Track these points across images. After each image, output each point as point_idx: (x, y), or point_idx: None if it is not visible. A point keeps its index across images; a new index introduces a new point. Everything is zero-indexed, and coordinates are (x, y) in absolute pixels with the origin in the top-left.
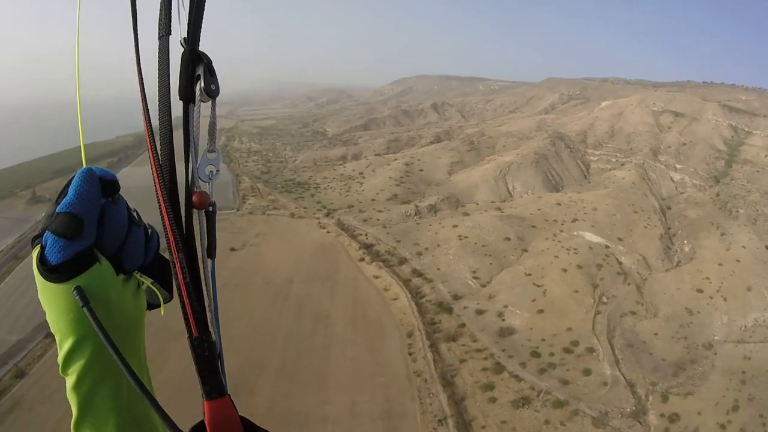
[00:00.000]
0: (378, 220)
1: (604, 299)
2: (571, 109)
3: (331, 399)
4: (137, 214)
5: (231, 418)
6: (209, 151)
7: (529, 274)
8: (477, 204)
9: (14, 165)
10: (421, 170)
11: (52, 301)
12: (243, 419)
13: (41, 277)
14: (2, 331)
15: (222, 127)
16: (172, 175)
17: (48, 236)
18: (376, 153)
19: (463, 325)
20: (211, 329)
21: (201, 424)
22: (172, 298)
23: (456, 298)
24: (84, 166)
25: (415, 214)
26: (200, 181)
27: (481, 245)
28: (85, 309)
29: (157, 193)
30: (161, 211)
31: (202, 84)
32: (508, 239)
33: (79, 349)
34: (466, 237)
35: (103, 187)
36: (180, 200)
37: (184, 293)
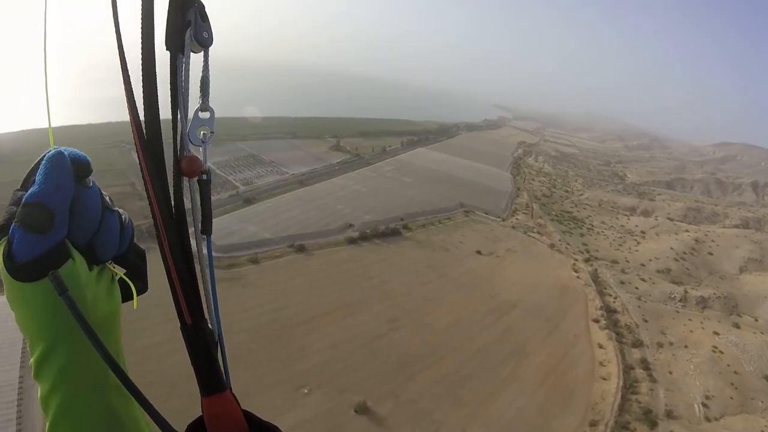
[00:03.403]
0: (637, 288)
1: None
2: None
3: (470, 430)
4: (110, 199)
5: (232, 414)
6: (201, 110)
7: None
8: (756, 320)
9: (322, 116)
10: (710, 254)
11: (21, 302)
12: (247, 414)
13: (8, 275)
14: (261, 228)
15: (524, 141)
16: (157, 137)
17: (15, 230)
18: (669, 217)
19: None
20: (207, 316)
21: (199, 420)
22: (146, 289)
23: (669, 416)
24: (52, 147)
25: (680, 300)
26: (191, 144)
27: (732, 370)
28: (63, 298)
29: (138, 159)
30: (144, 180)
31: (193, 31)
32: None
33: (51, 354)
34: (720, 352)
35: (74, 170)
36: (168, 167)
37: (175, 276)
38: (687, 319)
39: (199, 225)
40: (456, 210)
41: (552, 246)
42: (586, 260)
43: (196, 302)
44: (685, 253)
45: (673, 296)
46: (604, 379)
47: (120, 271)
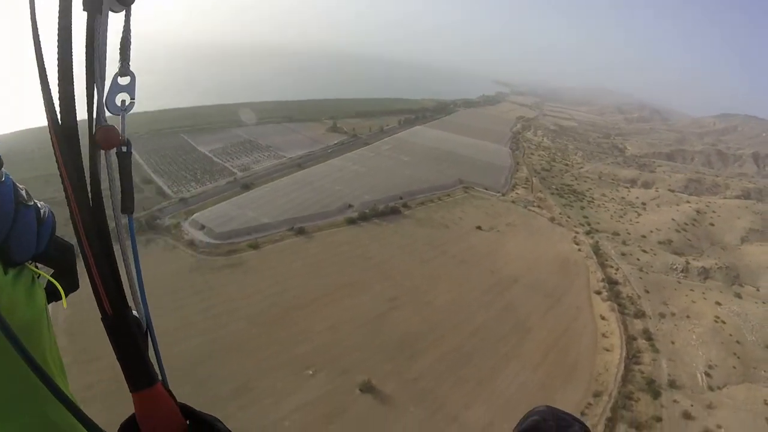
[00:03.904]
0: (638, 259)
1: None
2: None
3: (473, 407)
4: (27, 192)
5: (165, 409)
6: (120, 75)
7: None
8: (758, 290)
9: (318, 98)
10: (711, 224)
11: None
12: (185, 407)
13: None
14: (260, 213)
15: (522, 116)
16: (70, 106)
17: None
18: (670, 188)
19: (659, 419)
20: (133, 304)
21: (133, 418)
22: (78, 286)
23: (671, 385)
24: None
25: (681, 271)
26: (108, 113)
27: (734, 340)
28: None
29: (49, 132)
30: (56, 155)
31: None
32: None
33: None
34: (723, 322)
35: None
36: (83, 140)
37: (92, 263)
38: (689, 289)
39: (119, 202)
40: (455, 186)
41: (552, 219)
42: (587, 233)
43: (116, 289)
44: (686, 224)
45: (674, 267)
46: (607, 350)
47: (44, 271)
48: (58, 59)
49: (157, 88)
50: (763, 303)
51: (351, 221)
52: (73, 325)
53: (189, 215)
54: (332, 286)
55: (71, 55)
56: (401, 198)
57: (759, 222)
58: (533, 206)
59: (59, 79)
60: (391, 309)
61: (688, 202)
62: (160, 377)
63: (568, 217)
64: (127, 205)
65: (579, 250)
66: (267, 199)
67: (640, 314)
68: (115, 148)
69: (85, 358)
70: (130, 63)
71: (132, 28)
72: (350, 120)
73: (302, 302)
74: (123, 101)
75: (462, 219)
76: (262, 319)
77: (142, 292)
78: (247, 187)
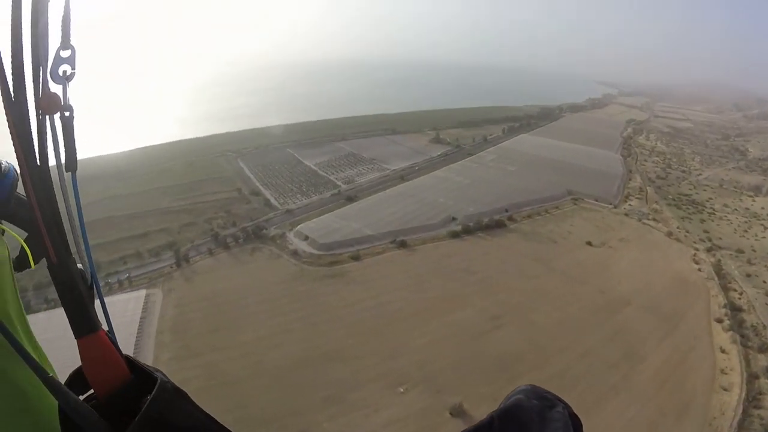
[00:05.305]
0: (765, 282)
1: None
2: None
3: None
4: None
5: (107, 355)
6: (62, 49)
7: None
8: None
9: (420, 110)
10: None
11: None
12: (129, 359)
13: None
14: (363, 225)
15: (633, 118)
16: (19, 75)
17: None
18: None
19: None
20: (78, 256)
21: (81, 367)
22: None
23: None
24: None
25: None
26: (53, 82)
27: None
28: None
29: (3, 103)
30: (8, 123)
31: None
32: None
33: None
34: None
35: None
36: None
37: (37, 211)
38: None
39: (63, 161)
40: (563, 198)
41: (669, 234)
42: (708, 250)
43: (60, 238)
44: None
45: None
46: (725, 389)
47: (9, 230)
48: (11, 32)
49: (263, 106)
50: None
51: (454, 234)
52: (177, 324)
53: (294, 226)
54: (433, 300)
55: (21, 30)
56: (506, 210)
57: None
58: (648, 219)
59: (12, 63)
60: (494, 327)
61: None
62: (105, 328)
63: (687, 232)
64: (71, 163)
65: (699, 269)
66: (370, 212)
67: (765, 348)
68: (59, 113)
69: (184, 354)
70: (71, 37)
71: (71, 6)
72: (453, 130)
73: (402, 315)
74: (65, 71)
75: (571, 233)
76: (361, 329)
77: (87, 247)
78: (350, 199)
